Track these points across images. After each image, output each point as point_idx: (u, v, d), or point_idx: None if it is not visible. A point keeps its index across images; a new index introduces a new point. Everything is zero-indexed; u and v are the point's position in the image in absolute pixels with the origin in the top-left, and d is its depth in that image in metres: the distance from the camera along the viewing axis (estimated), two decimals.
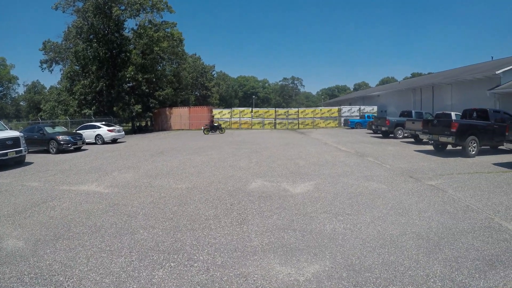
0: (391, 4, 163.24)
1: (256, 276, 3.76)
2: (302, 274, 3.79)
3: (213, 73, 70.90)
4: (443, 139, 13.14)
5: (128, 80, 35.75)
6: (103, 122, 24.47)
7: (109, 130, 22.54)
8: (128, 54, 35.98)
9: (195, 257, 4.16)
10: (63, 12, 35.07)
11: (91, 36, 34.97)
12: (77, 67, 37.15)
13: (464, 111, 15.67)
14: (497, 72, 21.95)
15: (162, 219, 5.66)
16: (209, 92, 64.18)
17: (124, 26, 37.32)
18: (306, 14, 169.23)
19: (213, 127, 29.80)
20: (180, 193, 7.46)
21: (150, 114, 39.59)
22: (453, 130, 12.58)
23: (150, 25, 36.63)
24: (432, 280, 3.78)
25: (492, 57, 33.93)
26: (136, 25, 37.30)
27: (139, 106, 35.73)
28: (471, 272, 4.01)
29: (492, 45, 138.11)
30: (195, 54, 65.24)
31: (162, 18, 37.99)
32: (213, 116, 35.73)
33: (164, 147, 18.49)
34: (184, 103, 48.99)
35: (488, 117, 13.76)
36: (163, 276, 3.79)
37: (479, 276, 3.93)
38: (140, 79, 34.89)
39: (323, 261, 3.98)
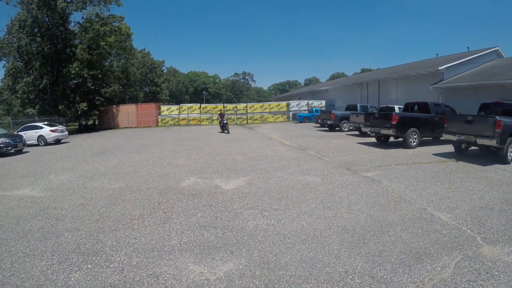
0: (343, 1, 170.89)
1: (167, 275, 3.87)
2: (214, 273, 3.88)
3: (163, 68, 70.52)
4: (384, 131, 13.93)
5: (73, 77, 34.55)
6: (46, 123, 23.41)
7: (51, 131, 21.61)
8: (74, 49, 34.95)
9: (113, 258, 4.30)
10: (6, 4, 32.96)
11: (35, 30, 33.29)
12: (20, 64, 35.13)
13: (406, 104, 16.55)
14: (440, 68, 23.86)
15: (88, 221, 5.78)
16: (158, 88, 63.76)
17: (70, 19, 36.08)
18: (258, 10, 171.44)
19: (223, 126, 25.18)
20: (112, 193, 7.60)
21: (96, 112, 38.13)
22: (394, 122, 13.33)
23: (97, 19, 35.40)
24: (350, 277, 3.72)
25: (437, 54, 36.83)
26: (83, 18, 36.04)
27: (85, 104, 34.75)
28: (394, 267, 3.98)
29: (437, 43, 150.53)
30: (144, 49, 64.30)
31: (109, 11, 36.80)
32: (220, 111, 35.50)
33: (107, 146, 18.21)
34: (133, 100, 47.88)
35: (429, 109, 14.66)
36: (79, 278, 3.91)
37: (402, 271, 3.90)
38: (86, 75, 33.84)
39: (239, 259, 4.04)
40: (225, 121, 24.85)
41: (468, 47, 33.31)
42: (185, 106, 40.54)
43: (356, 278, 3.69)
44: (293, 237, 4.75)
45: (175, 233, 4.95)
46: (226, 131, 24.04)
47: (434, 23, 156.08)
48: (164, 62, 67.93)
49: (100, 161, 12.37)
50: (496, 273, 3.94)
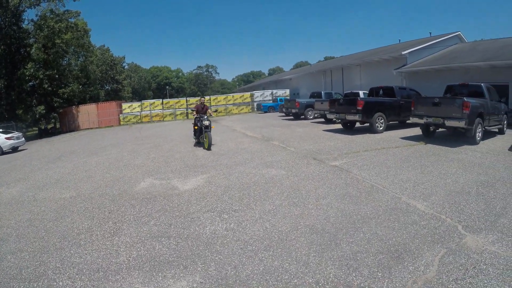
0: None
1: None
2: None
3: (124, 65, 68.92)
4: (350, 117, 13.86)
5: (28, 79, 32.59)
6: (0, 130, 21.70)
7: (7, 138, 20.21)
8: (28, 50, 32.75)
9: (55, 283, 3.82)
10: None
11: None
12: None
13: (371, 89, 16.64)
14: (403, 53, 24.39)
15: (33, 239, 5.18)
16: (120, 85, 62.22)
17: (23, 17, 33.86)
18: (220, 1, 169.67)
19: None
20: (62, 204, 6.91)
21: (55, 115, 36.23)
22: (359, 108, 13.32)
23: (52, 15, 33.33)
24: None
25: (399, 40, 37.65)
26: (37, 15, 33.84)
27: (42, 107, 32.87)
28: (372, 271, 3.55)
29: (400, 29, 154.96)
30: (104, 46, 62.43)
31: (65, 7, 34.78)
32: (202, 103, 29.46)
33: (64, 151, 17.16)
34: (94, 99, 46.02)
35: (395, 93, 14.90)
36: None
37: (382, 275, 3.47)
38: (41, 76, 31.94)
39: (193, 276, 3.61)
40: (206, 122, 12.03)
41: (430, 33, 34.25)
42: (147, 102, 39.73)
43: None
44: (255, 243, 4.29)
45: (124, 248, 4.46)
46: (205, 142, 12.11)
47: (396, 10, 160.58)
48: (124, 58, 66.77)
49: (55, 168, 11.56)
50: (484, 266, 3.60)
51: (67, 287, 3.73)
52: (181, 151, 12.21)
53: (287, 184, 6.91)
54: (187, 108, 38.73)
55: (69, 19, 35.30)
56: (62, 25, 33.14)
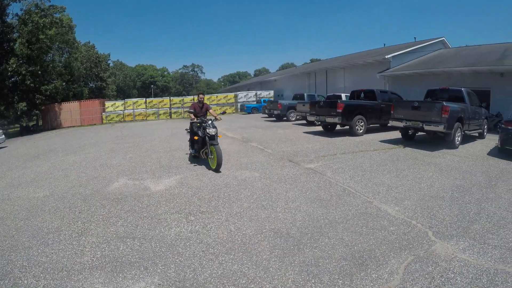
0: None
1: None
2: None
3: (109, 62, 67.85)
4: (330, 119, 13.85)
5: (10, 75, 31.94)
6: None
7: None
8: (12, 44, 32.18)
9: (20, 281, 3.80)
10: None
11: None
12: None
13: (352, 92, 16.78)
14: (386, 57, 24.86)
15: (3, 238, 5.09)
16: (104, 83, 61.26)
17: (8, 11, 32.98)
18: (208, 0, 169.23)
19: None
20: (35, 203, 6.79)
21: (37, 112, 35.53)
22: (339, 110, 13.32)
23: (36, 10, 32.56)
24: None
25: (384, 44, 38.23)
26: (22, 10, 33.10)
27: (24, 104, 32.38)
28: (333, 278, 3.42)
29: (386, 34, 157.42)
30: (89, 42, 61.05)
31: (50, 1, 34.03)
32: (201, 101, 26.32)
33: (44, 149, 16.86)
34: (77, 96, 45.29)
35: (376, 97, 15.08)
36: None
37: (342, 283, 3.34)
38: (24, 72, 31.30)
39: (152, 278, 3.58)
40: (212, 130, 8.37)
41: (415, 38, 34.84)
42: (130, 101, 39.37)
43: None
44: (218, 246, 4.20)
45: (89, 248, 4.45)
46: (211, 160, 8.58)
47: (382, 14, 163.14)
48: (109, 55, 65.81)
49: (32, 167, 11.36)
50: (452, 275, 3.48)
51: (31, 286, 3.71)
52: (159, 151, 12.05)
53: (259, 186, 6.79)
54: (170, 108, 38.55)
55: (54, 14, 34.79)
56: (47, 20, 32.63)
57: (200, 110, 9.40)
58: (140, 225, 5.05)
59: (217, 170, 8.11)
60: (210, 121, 8.61)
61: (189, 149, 9.95)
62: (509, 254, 3.97)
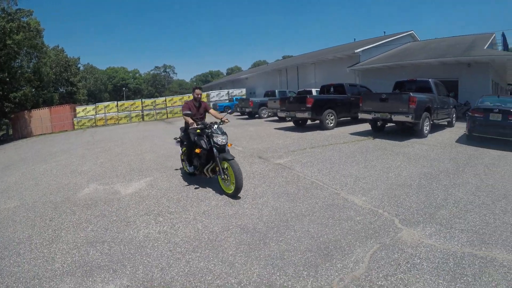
0: None
1: None
2: None
3: (79, 66, 66.72)
4: (299, 115, 14.07)
5: None
6: None
7: None
8: None
9: None
10: None
11: None
12: None
13: (322, 87, 17.19)
14: (356, 51, 25.56)
15: None
16: (75, 88, 59.89)
17: None
18: (178, 0, 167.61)
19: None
20: (6, 215, 6.70)
21: (7, 120, 34.04)
22: (309, 105, 13.43)
23: (3, 14, 31.50)
24: None
25: (354, 38, 38.97)
26: None
27: None
28: (298, 270, 3.46)
29: (356, 29, 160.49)
30: (58, 46, 59.63)
31: (17, 5, 33.00)
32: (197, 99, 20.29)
33: (14, 158, 16.61)
34: (48, 103, 44.11)
35: (345, 91, 15.37)
36: None
37: (307, 274, 3.39)
38: None
39: (121, 279, 3.63)
40: (221, 138, 6.11)
41: (384, 32, 35.64)
42: (101, 105, 38.63)
43: None
44: (185, 244, 4.25)
45: (60, 254, 4.46)
46: (225, 182, 6.06)
47: (353, 9, 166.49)
48: (79, 59, 65.13)
49: (2, 177, 11.15)
50: (418, 260, 3.55)
51: None
52: (129, 155, 11.95)
53: None
54: (142, 110, 38.25)
55: (21, 18, 33.88)
56: (14, 25, 31.77)
57: (197, 111, 7.12)
58: (109, 229, 5.08)
59: (234, 195, 5.76)
60: (215, 126, 6.27)
61: (184, 166, 7.77)
62: (476, 237, 4.08)
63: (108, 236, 4.82)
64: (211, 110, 7.44)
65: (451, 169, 7.10)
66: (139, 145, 14.20)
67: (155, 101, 40.29)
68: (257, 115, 23.33)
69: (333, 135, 12.39)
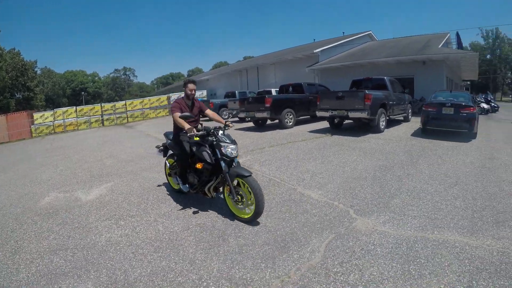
0: None
1: None
2: None
3: (36, 70, 63.59)
4: (259, 114, 14.29)
5: None
6: None
7: None
8: None
9: None
10: None
11: None
12: None
13: (281, 86, 17.67)
14: (315, 51, 26.24)
15: None
16: (32, 93, 57.00)
17: None
18: (138, 2, 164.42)
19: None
20: None
21: None
22: (267, 105, 13.64)
23: None
24: (204, 283, 3.35)
25: (314, 39, 39.85)
26: None
27: None
28: (256, 263, 3.59)
29: (317, 29, 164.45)
30: (14, 49, 56.71)
31: None
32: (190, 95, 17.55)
33: None
34: (4, 109, 41.85)
35: (303, 90, 15.79)
36: None
37: (265, 266, 3.52)
38: None
39: (85, 284, 3.66)
40: (231, 148, 4.80)
41: (343, 32, 36.66)
42: (59, 111, 37.08)
43: (211, 284, 3.30)
44: (146, 246, 4.31)
45: (24, 265, 4.36)
46: (242, 204, 4.72)
47: (314, 10, 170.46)
48: (36, 62, 62.38)
49: None
50: (372, 247, 3.75)
51: None
52: (89, 161, 11.75)
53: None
54: (102, 115, 37.24)
55: None
56: None
57: (190, 112, 5.51)
58: (72, 236, 5.04)
59: (253, 220, 4.56)
60: (221, 132, 5.02)
61: (171, 182, 6.46)
62: (429, 221, 4.37)
63: (70, 243, 4.81)
64: (208, 111, 5.92)
65: (406, 161, 7.48)
66: (99, 151, 13.99)
67: (115, 105, 39.34)
68: None
69: (292, 133, 12.63)
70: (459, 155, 8.18)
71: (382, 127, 11.52)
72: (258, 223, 4.54)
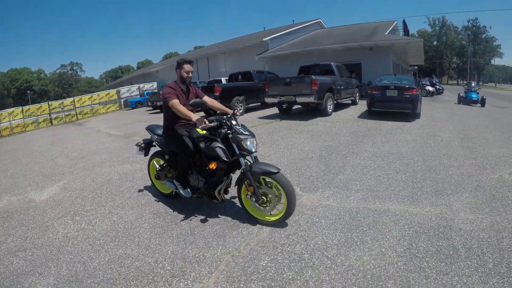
0: None
1: None
2: None
3: None
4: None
5: None
6: None
7: None
8: None
9: None
10: None
11: None
12: None
13: (230, 75, 18.03)
14: (264, 39, 26.76)
15: None
16: None
17: None
18: None
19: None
20: None
21: None
22: (217, 94, 13.96)
23: None
24: (160, 265, 3.50)
25: (264, 27, 40.18)
26: None
27: None
28: (208, 242, 3.81)
29: (267, 17, 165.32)
30: None
31: None
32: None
33: None
34: None
35: (252, 78, 16.23)
36: None
37: (216, 244, 3.74)
38: None
39: (47, 279, 3.68)
40: (246, 139, 4.12)
41: (293, 20, 37.20)
42: (5, 112, 35.16)
43: (167, 264, 3.46)
44: (103, 237, 4.39)
45: None
46: (266, 207, 4.06)
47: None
48: None
49: None
50: (317, 219, 4.05)
51: None
52: (40, 162, 11.37)
53: (139, 176, 6.96)
54: (50, 114, 35.72)
55: None
56: None
57: (186, 101, 4.62)
58: (29, 237, 5.01)
59: (283, 220, 4.03)
60: (234, 122, 4.35)
61: (158, 186, 5.54)
62: (371, 194, 4.76)
63: (28, 243, 4.81)
64: (207, 98, 4.88)
65: (351, 141, 7.94)
66: (49, 151, 13.58)
67: (63, 102, 37.88)
68: None
69: (242, 120, 12.62)
70: (403, 133, 8.78)
71: (330, 110, 12.04)
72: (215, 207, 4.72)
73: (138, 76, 56.05)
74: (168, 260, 3.53)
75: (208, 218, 4.37)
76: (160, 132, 5.05)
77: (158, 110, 24.33)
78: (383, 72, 17.26)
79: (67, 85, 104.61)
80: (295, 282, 2.97)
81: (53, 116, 35.81)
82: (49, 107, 35.95)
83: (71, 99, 38.07)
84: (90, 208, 5.59)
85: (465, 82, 42.38)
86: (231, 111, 4.56)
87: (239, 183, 4.22)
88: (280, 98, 12.18)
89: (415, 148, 7.40)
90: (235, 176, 4.46)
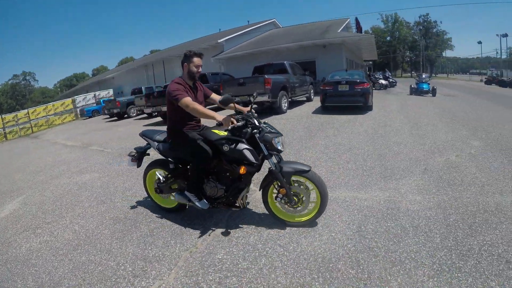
0: None
1: None
2: None
3: None
4: (165, 108, 13.94)
5: None
6: None
7: None
8: None
9: None
10: None
11: None
12: None
13: None
14: (219, 41, 27.07)
15: None
16: None
17: None
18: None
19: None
20: None
21: None
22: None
23: None
24: (122, 267, 3.61)
25: (220, 29, 40.45)
26: None
27: None
28: (166, 241, 4.01)
29: (222, 19, 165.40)
30: None
31: None
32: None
33: None
34: None
35: (207, 80, 16.67)
36: None
37: (175, 242, 3.96)
38: None
39: None
40: (275, 138, 3.81)
41: (248, 21, 37.61)
42: None
43: (128, 266, 3.60)
44: (65, 247, 4.44)
45: None
46: (300, 207, 3.93)
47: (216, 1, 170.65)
48: None
49: None
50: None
51: None
52: None
53: (98, 185, 7.01)
54: (4, 128, 33.77)
55: None
56: None
57: (195, 99, 4.18)
58: None
59: (314, 220, 3.97)
60: (260, 121, 4.05)
61: (158, 200, 4.97)
62: None
63: None
64: (215, 96, 4.57)
65: (304, 136, 8.34)
66: (5, 167, 13.09)
67: (16, 115, 36.05)
68: (126, 115, 23.01)
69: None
70: (355, 126, 9.28)
71: (285, 108, 12.46)
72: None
73: (93, 84, 54.85)
74: (130, 261, 3.67)
75: (166, 219, 4.58)
76: (159, 137, 4.63)
77: (116, 118, 23.93)
78: (337, 68, 17.84)
79: (20, 96, 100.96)
80: (250, 270, 3.22)
81: (7, 130, 34.02)
82: (2, 121, 34.28)
83: (25, 111, 36.42)
84: (51, 220, 5.60)
85: (416, 74, 44.48)
86: (246, 109, 4.24)
87: (265, 185, 3.98)
88: (235, 99, 12.35)
89: (366, 138, 7.88)
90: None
